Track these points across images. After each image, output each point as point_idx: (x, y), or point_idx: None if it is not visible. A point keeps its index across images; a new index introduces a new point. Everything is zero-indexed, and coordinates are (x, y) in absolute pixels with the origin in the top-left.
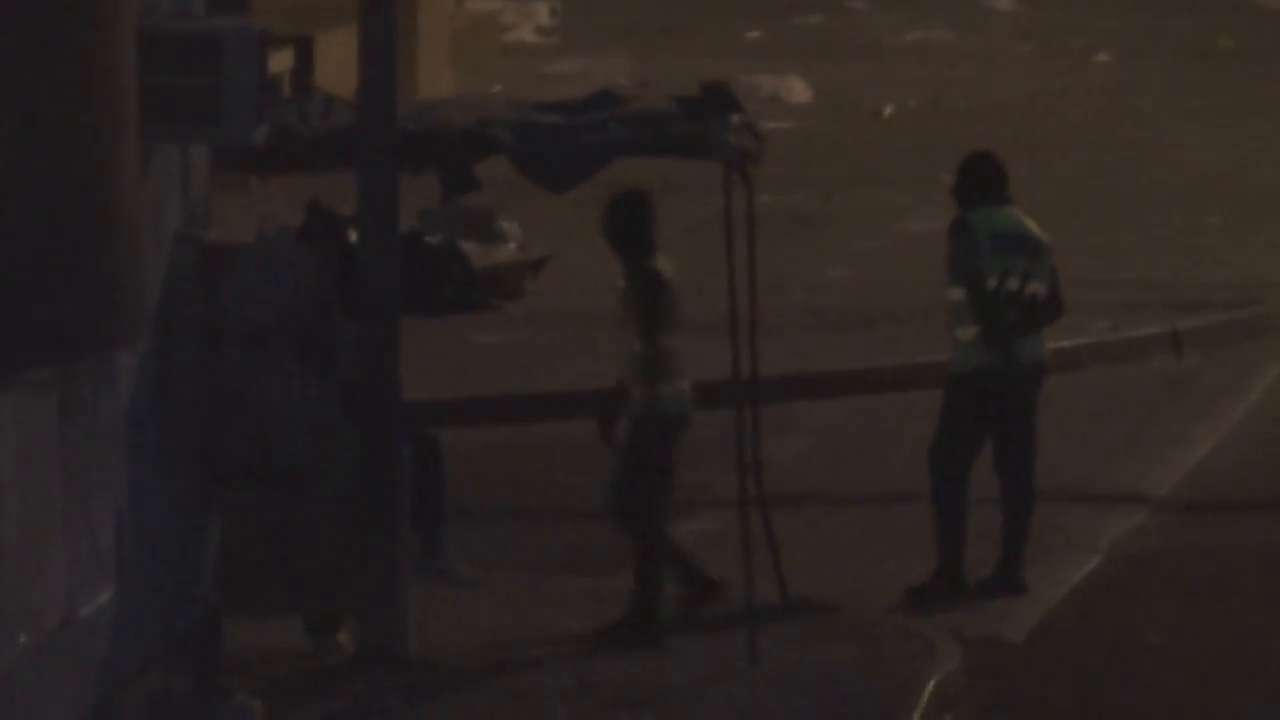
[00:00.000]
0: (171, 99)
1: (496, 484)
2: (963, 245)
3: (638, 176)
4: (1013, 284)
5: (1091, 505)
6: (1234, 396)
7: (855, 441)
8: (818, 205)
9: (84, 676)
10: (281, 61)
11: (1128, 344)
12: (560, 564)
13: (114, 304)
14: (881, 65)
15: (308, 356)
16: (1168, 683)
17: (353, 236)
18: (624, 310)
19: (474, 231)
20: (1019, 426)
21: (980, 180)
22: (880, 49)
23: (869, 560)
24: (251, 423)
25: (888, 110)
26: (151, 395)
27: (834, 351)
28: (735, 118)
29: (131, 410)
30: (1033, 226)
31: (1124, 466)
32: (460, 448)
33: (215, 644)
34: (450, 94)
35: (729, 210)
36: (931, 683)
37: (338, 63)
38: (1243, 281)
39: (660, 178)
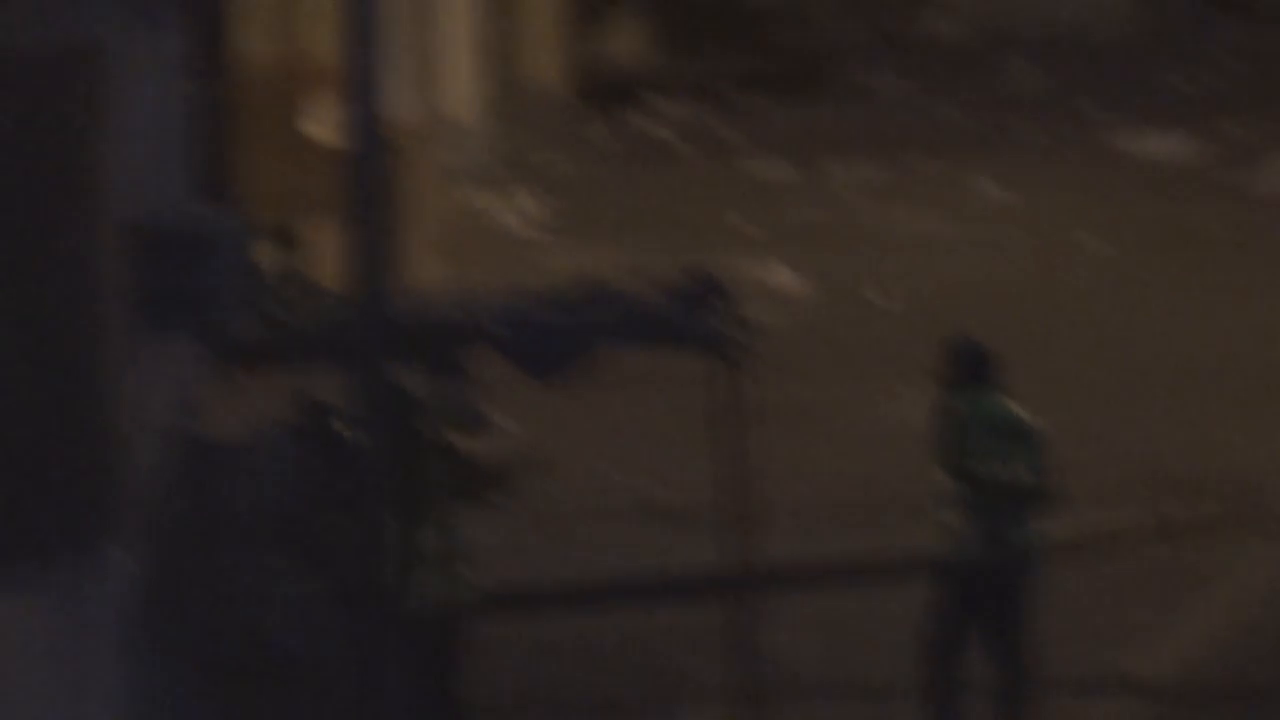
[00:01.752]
0: (159, 293)
1: (504, 680)
2: (951, 432)
3: (628, 365)
4: (999, 470)
5: (1088, 694)
6: (1230, 584)
7: (849, 631)
8: (809, 395)
9: None
10: (270, 254)
11: (1118, 530)
12: None
13: (101, 500)
14: (876, 255)
15: (300, 553)
16: None
17: (344, 430)
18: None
19: (464, 424)
20: (1012, 616)
21: (968, 367)
22: (871, 239)
23: None
24: (245, 620)
25: (882, 300)
26: (143, 592)
27: (827, 541)
28: (724, 307)
29: (123, 609)
30: (1020, 412)
31: (1120, 655)
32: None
33: None
34: (440, 285)
35: (719, 401)
36: None
37: (326, 255)
38: (1239, 467)
39: (648, 368)
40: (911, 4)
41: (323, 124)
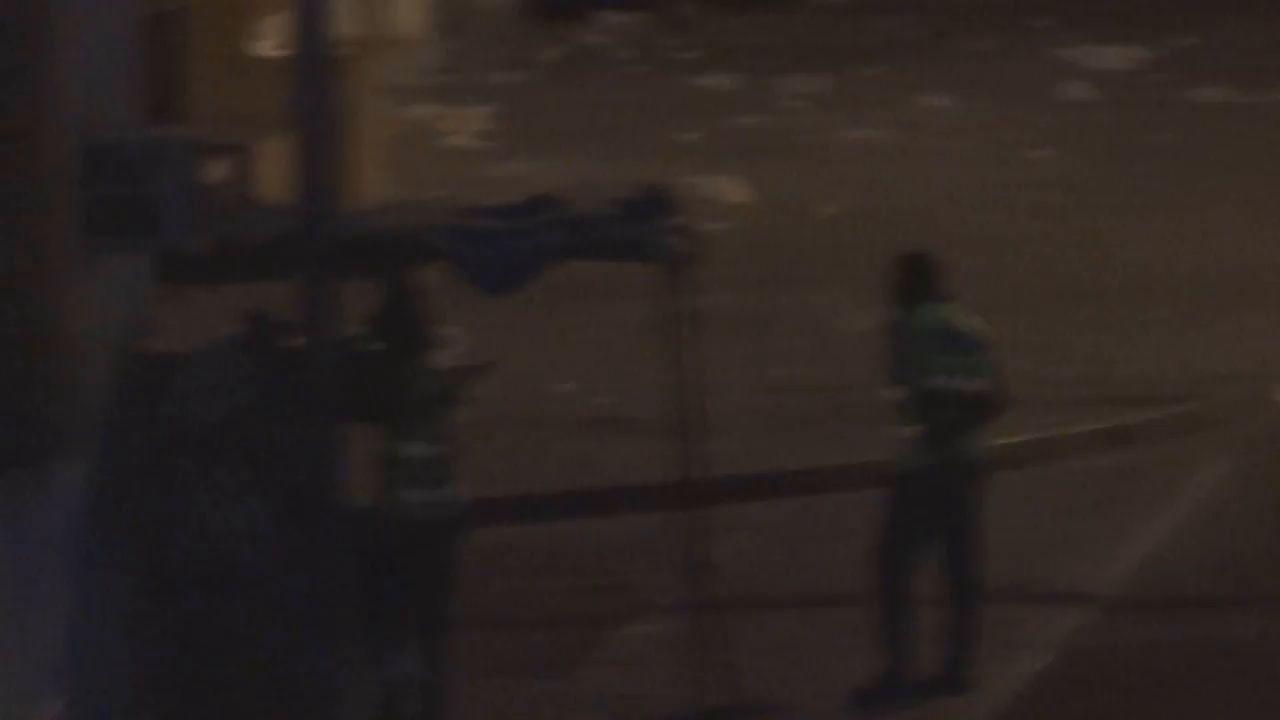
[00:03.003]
0: (111, 210)
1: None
2: (901, 344)
3: (577, 279)
4: (954, 381)
5: (1040, 603)
6: (1180, 492)
7: (801, 541)
8: (757, 306)
9: None
10: (220, 170)
11: (1072, 440)
12: (510, 668)
13: (54, 415)
14: (820, 165)
15: (250, 464)
16: None
17: (294, 343)
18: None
19: (415, 338)
20: (963, 524)
21: (917, 278)
22: (818, 149)
23: (818, 661)
24: (193, 532)
25: (827, 210)
26: (95, 506)
27: (777, 451)
28: (672, 220)
29: (76, 521)
30: (973, 323)
31: (1072, 563)
32: None
33: None
34: (389, 200)
35: (670, 312)
36: None
37: (276, 170)
38: (1187, 375)
39: (599, 280)
40: None
41: (269, 40)
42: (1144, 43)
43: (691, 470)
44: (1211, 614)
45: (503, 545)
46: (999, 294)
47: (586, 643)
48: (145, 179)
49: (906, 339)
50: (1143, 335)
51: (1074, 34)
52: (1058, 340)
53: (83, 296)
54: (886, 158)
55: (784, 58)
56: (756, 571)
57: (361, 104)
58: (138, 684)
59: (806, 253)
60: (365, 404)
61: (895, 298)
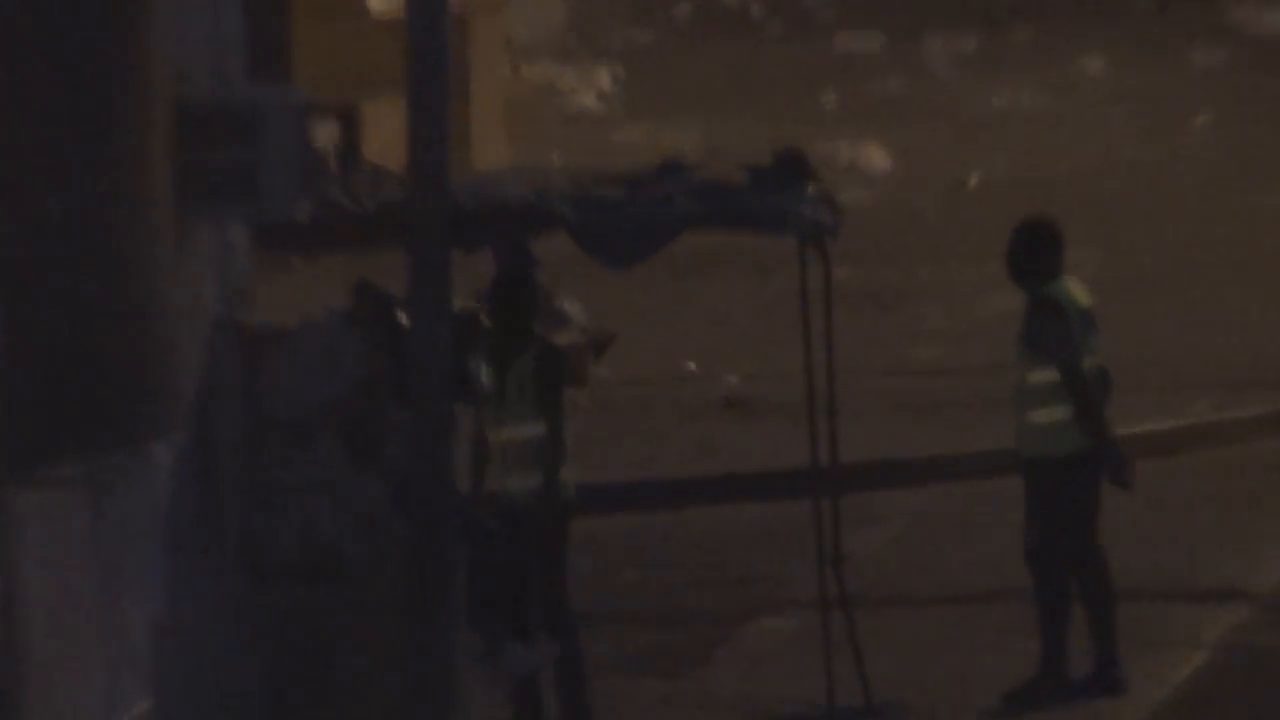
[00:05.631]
0: (209, 174)
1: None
2: (1053, 324)
3: (708, 249)
4: (1094, 360)
5: (1192, 600)
6: None
7: (940, 532)
8: (898, 281)
9: None
10: (327, 133)
11: (1231, 426)
12: (631, 666)
13: (148, 393)
14: (965, 132)
15: (356, 447)
16: None
17: (404, 319)
18: (518, 394)
19: (545, 315)
20: (1097, 512)
21: (1049, 250)
22: (964, 115)
23: (954, 659)
24: (296, 519)
25: (972, 179)
26: (190, 490)
27: (917, 436)
28: (811, 188)
29: (169, 506)
30: (1088, 298)
31: (1227, 558)
32: None
33: None
34: (507, 165)
35: (805, 287)
36: None
37: (387, 134)
38: None
39: (732, 251)
40: None
41: None
42: None
43: (824, 456)
44: None
45: (624, 534)
46: (1156, 267)
47: (711, 639)
48: (247, 142)
49: (1058, 318)
50: None
51: None
52: (1218, 318)
53: (185, 267)
54: (1036, 124)
55: (927, 17)
56: (892, 564)
57: (480, 63)
58: (231, 681)
59: (949, 225)
60: (467, 383)
61: (1025, 271)
